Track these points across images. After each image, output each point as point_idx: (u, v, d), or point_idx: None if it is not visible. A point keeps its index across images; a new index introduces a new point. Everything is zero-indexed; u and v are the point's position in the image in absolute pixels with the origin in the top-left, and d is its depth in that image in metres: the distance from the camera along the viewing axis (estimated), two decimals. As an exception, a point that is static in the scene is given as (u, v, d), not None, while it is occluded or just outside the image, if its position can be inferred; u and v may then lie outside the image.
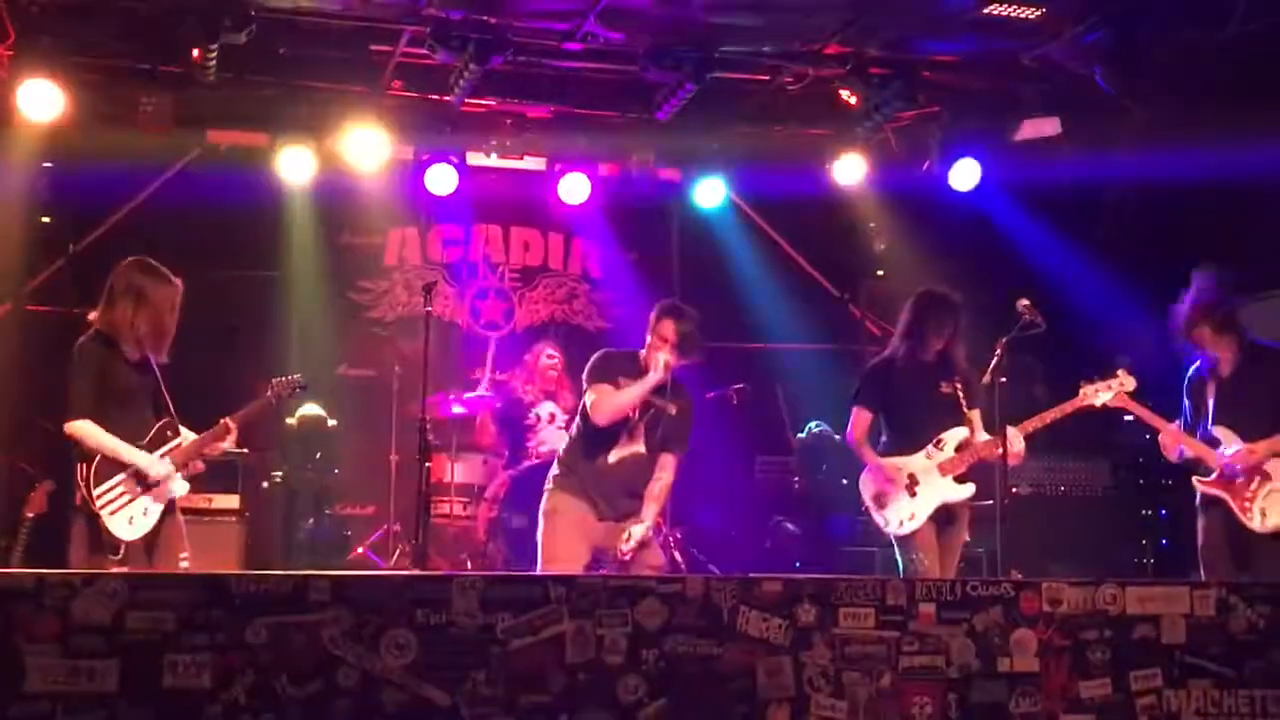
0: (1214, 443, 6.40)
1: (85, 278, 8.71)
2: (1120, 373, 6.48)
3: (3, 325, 9.11)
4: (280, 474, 8.88)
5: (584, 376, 6.26)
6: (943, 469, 6.36)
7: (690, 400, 6.28)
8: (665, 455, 6.18)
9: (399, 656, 3.93)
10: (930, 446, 6.40)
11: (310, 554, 8.71)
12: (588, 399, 6.15)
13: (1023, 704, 4.34)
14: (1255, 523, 6.24)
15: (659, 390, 6.04)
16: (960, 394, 6.43)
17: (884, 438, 6.61)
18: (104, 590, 3.81)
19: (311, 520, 8.96)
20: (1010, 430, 6.22)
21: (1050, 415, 6.44)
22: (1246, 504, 6.26)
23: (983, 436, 6.45)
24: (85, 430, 5.63)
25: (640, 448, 6.17)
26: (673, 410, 6.13)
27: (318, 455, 9.03)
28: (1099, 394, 6.45)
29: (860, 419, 6.59)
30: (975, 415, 6.55)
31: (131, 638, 3.77)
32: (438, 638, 3.96)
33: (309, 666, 3.86)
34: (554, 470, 6.27)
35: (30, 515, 7.49)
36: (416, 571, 6.00)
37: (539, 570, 6.01)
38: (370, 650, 3.91)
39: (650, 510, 6.11)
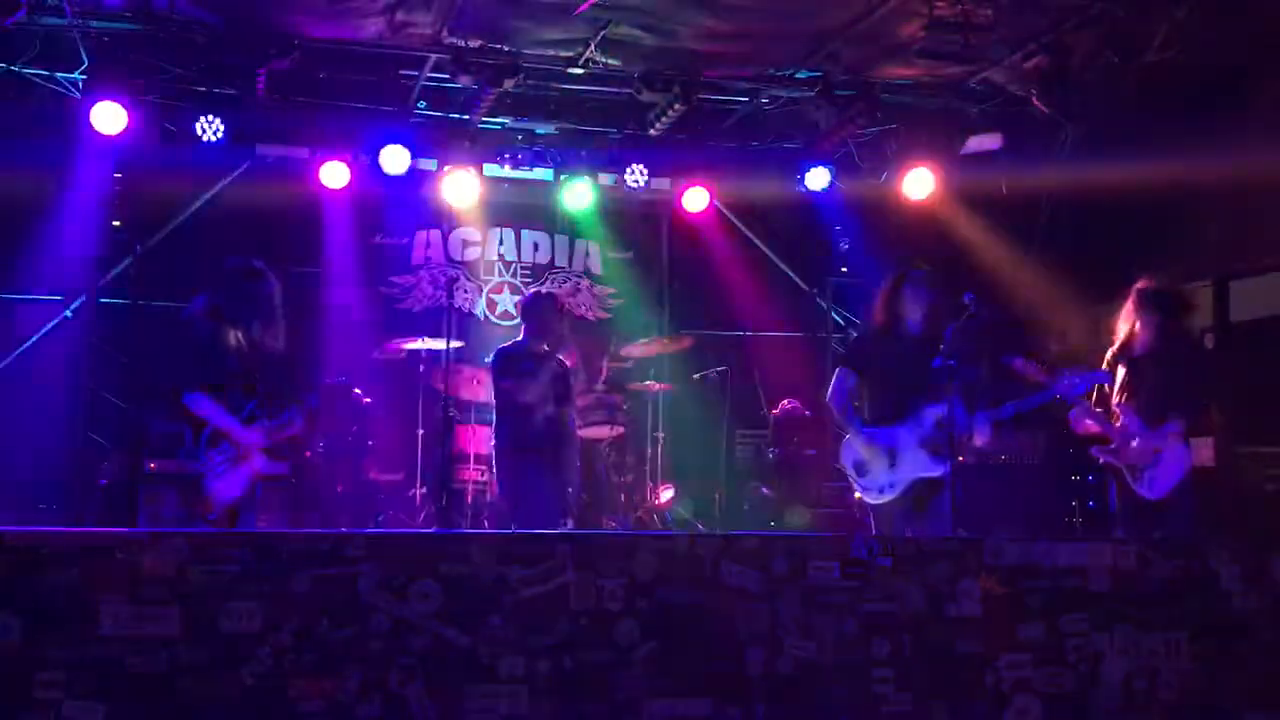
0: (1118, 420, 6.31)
1: (151, 274, 8.75)
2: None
3: (79, 315, 9.13)
4: (322, 445, 8.87)
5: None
6: (922, 444, 5.73)
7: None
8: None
9: (425, 604, 3.93)
10: (911, 421, 5.76)
11: (347, 514, 8.70)
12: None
13: (968, 644, 4.34)
14: (1144, 491, 6.16)
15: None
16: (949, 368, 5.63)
17: (869, 405, 5.99)
18: (168, 547, 3.81)
19: (349, 485, 8.93)
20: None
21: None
22: (1137, 475, 6.18)
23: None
24: (199, 402, 5.58)
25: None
26: None
27: (354, 428, 9.00)
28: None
29: (842, 380, 5.96)
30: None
31: (192, 588, 3.77)
32: (458, 587, 3.96)
33: (346, 613, 3.87)
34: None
35: (104, 482, 7.48)
36: (440, 530, 5.99)
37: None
38: (400, 599, 3.91)
39: None
